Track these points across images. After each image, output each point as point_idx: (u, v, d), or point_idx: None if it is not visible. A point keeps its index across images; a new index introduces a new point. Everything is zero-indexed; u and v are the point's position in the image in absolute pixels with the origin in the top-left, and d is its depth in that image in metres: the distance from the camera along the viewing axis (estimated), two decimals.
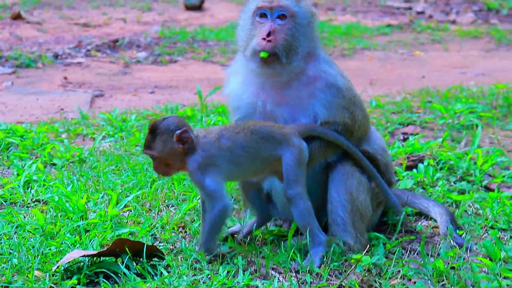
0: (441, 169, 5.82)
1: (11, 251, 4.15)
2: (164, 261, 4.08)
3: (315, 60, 4.46)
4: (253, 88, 4.48)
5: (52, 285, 3.81)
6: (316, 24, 4.51)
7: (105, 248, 4.10)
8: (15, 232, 4.48)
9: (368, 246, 4.33)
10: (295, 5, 4.39)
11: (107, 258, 4.04)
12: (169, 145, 4.04)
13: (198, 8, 15.69)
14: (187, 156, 4.09)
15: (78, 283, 3.81)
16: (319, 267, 4.08)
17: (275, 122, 4.42)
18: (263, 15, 4.38)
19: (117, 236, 4.41)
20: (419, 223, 4.91)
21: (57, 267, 3.86)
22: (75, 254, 3.96)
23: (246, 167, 4.21)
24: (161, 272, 3.95)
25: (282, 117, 4.43)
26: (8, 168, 5.83)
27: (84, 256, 3.95)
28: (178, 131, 4.04)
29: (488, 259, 4.23)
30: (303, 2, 4.45)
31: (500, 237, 4.61)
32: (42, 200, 5.09)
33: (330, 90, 4.40)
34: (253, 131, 4.20)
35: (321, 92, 4.40)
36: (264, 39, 4.29)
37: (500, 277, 4.00)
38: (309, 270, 4.03)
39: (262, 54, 4.28)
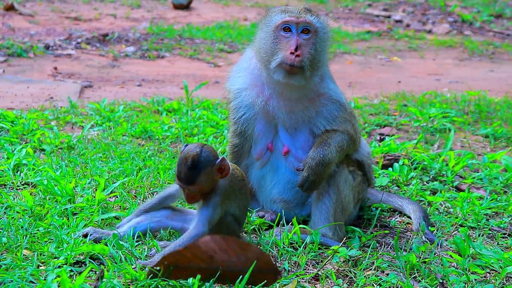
0: (415, 169, 5.94)
1: (1, 230, 4.17)
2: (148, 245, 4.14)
3: (322, 77, 4.62)
4: (263, 92, 4.62)
5: (40, 264, 3.85)
6: (331, 41, 4.64)
7: None
8: (5, 213, 4.51)
9: (344, 238, 4.45)
10: (317, 21, 4.50)
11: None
12: (211, 176, 4.00)
13: (186, 7, 15.67)
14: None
15: (65, 263, 3.86)
16: None
17: (276, 125, 4.63)
18: (287, 29, 4.46)
19: (102, 220, 4.46)
20: (393, 219, 5.03)
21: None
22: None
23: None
24: (146, 255, 4.00)
25: (284, 122, 4.63)
26: None
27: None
28: (219, 161, 4.01)
29: (457, 254, 4.35)
30: (323, 18, 4.58)
31: (469, 234, 4.72)
32: (31, 183, 5.09)
33: (334, 105, 4.61)
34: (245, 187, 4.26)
35: (326, 108, 4.59)
36: (292, 53, 4.38)
37: (468, 272, 4.13)
38: (288, 259, 4.12)
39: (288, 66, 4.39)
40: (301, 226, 4.47)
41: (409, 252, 4.31)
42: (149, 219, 4.29)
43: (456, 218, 5.03)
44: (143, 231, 4.25)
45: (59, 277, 3.57)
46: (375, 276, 4.02)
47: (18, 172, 5.31)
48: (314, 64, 4.45)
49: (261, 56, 4.54)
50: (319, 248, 4.34)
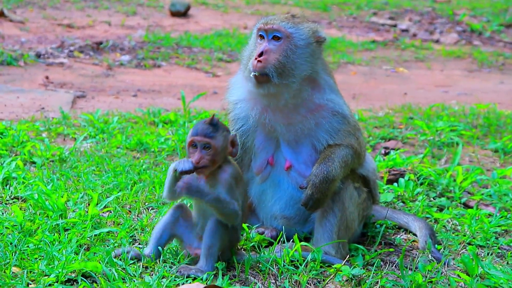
0: (421, 184, 5.86)
1: None
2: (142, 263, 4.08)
3: (320, 87, 4.53)
4: (258, 104, 4.55)
5: (30, 282, 3.79)
6: (317, 48, 4.52)
7: None
8: None
9: (348, 256, 4.37)
10: (291, 27, 4.43)
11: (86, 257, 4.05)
12: (225, 142, 4.07)
13: (183, 14, 15.63)
14: (224, 163, 4.10)
15: (56, 281, 3.78)
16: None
17: (277, 139, 4.56)
18: (261, 37, 4.45)
19: (94, 236, 4.40)
20: (398, 236, 4.96)
21: None
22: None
23: None
24: (140, 273, 3.94)
25: (284, 135, 4.55)
26: None
27: None
28: (233, 133, 4.16)
29: (465, 274, 4.27)
30: (304, 25, 4.50)
31: (477, 253, 4.65)
32: (21, 198, 5.03)
33: (335, 118, 4.52)
34: None
35: (327, 121, 4.51)
36: (256, 59, 4.35)
37: None
38: (288, 277, 4.03)
39: (253, 73, 4.36)
40: (303, 243, 4.40)
41: (414, 271, 4.24)
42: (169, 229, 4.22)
43: (464, 236, 4.95)
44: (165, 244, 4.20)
45: None
46: None
47: (7, 186, 5.24)
48: (285, 72, 4.37)
49: (243, 65, 4.56)
50: (321, 267, 4.26)
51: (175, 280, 3.87)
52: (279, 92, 4.41)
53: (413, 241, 4.88)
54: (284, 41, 4.40)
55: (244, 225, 4.54)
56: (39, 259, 4.03)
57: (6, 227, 4.44)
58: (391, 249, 4.65)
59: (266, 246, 4.49)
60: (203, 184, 4.03)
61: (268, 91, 4.39)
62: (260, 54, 4.36)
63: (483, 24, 16.34)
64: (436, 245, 4.66)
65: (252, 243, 4.49)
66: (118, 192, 5.13)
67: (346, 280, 4.07)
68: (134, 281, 3.81)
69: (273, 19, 4.48)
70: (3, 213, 4.71)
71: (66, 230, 4.49)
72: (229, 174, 4.07)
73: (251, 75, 4.36)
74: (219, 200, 3.96)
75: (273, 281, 3.98)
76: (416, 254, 4.63)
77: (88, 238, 4.37)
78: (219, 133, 4.03)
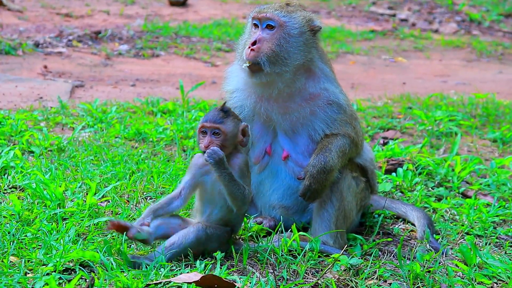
0: (419, 174, 5.87)
1: None
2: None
3: (315, 76, 4.53)
4: (253, 93, 4.57)
5: (27, 271, 3.78)
6: (312, 37, 4.51)
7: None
8: None
9: (346, 246, 4.36)
10: (285, 16, 4.44)
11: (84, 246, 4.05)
12: (235, 130, 4.10)
13: (182, 4, 15.60)
14: (235, 151, 4.13)
15: (54, 270, 3.78)
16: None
17: (274, 128, 4.55)
18: (256, 26, 4.47)
19: (94, 225, 4.39)
20: (397, 226, 4.97)
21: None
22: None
23: None
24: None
25: (281, 125, 4.55)
26: None
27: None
28: (244, 123, 4.18)
29: (463, 264, 4.28)
30: (298, 14, 4.50)
31: (475, 243, 4.63)
32: (19, 187, 5.01)
33: (331, 107, 4.51)
34: None
35: (322, 110, 4.50)
36: (249, 48, 4.36)
37: (474, 282, 4.05)
38: (286, 267, 4.04)
39: (245, 64, 4.38)
40: (301, 233, 4.41)
41: (412, 260, 4.24)
42: (166, 224, 4.19)
43: (462, 225, 4.96)
44: (161, 235, 4.14)
45: (47, 285, 3.56)
46: (377, 285, 3.98)
47: (6, 175, 5.22)
48: (278, 60, 4.38)
49: (238, 54, 4.57)
50: (319, 256, 4.27)
51: (172, 269, 3.87)
52: (272, 81, 4.42)
53: (411, 230, 4.89)
54: (278, 29, 4.41)
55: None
56: (37, 249, 4.03)
57: (4, 216, 4.43)
58: (389, 239, 4.67)
59: (264, 236, 4.49)
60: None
61: (261, 80, 4.41)
62: (254, 43, 4.37)
63: (482, 14, 16.31)
64: (434, 234, 4.68)
65: (250, 233, 4.48)
66: (116, 182, 5.11)
67: (344, 270, 4.07)
68: (131, 270, 3.79)
69: (267, 7, 4.48)
70: (1, 203, 4.70)
71: (64, 219, 4.48)
72: (241, 160, 4.10)
73: (244, 66, 4.37)
74: (234, 179, 3.99)
75: (271, 270, 3.97)
76: (414, 244, 4.65)
77: (86, 228, 4.37)
78: (229, 119, 4.08)
